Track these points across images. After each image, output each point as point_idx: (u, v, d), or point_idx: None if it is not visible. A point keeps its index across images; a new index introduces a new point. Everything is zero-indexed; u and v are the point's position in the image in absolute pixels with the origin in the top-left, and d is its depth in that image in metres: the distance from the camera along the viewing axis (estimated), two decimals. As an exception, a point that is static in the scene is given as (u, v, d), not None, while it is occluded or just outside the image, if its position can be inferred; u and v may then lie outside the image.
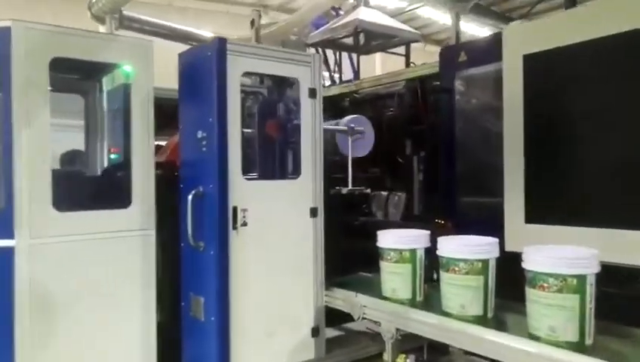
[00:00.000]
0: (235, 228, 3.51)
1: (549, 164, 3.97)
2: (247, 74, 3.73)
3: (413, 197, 5.37)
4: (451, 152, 4.73)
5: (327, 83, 7.34)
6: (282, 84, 4.02)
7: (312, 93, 3.88)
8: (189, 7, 13.29)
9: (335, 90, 6.09)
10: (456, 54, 4.70)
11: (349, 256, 5.91)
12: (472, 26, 10.99)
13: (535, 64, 4.09)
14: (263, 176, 3.98)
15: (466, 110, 4.78)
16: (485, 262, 3.37)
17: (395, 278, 3.78)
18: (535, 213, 4.06)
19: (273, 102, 4.04)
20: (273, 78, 4.05)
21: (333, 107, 6.16)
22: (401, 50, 7.31)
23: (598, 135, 3.65)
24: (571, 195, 3.82)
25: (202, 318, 3.57)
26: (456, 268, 3.36)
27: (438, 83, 5.02)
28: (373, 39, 7.08)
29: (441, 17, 12.95)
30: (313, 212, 3.90)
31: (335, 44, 7.05)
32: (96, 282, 3.42)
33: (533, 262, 3.00)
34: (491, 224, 4.47)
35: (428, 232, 3.92)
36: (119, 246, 3.49)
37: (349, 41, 7.03)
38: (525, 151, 4.10)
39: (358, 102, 6.13)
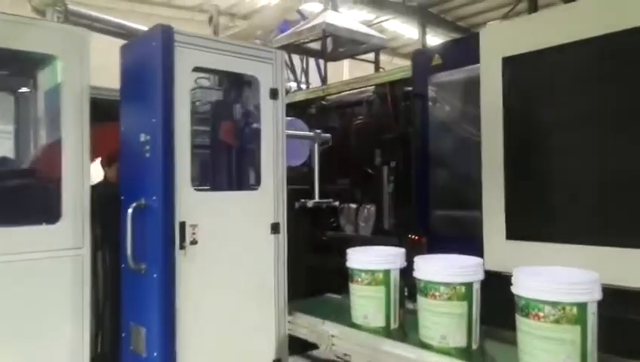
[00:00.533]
0: (182, 247, 2.96)
1: (532, 175, 3.57)
2: (198, 70, 3.22)
3: (384, 211, 4.91)
4: (425, 162, 4.30)
5: (294, 89, 6.86)
6: (240, 84, 3.50)
7: (274, 93, 3.38)
8: (153, 14, 12.67)
9: (301, 96, 5.60)
10: (429, 57, 4.28)
11: (315, 276, 5.43)
12: (437, 40, 10.75)
13: (516, 67, 3.69)
14: (218, 187, 3.45)
15: (440, 117, 4.36)
16: (469, 286, 2.91)
17: (367, 303, 3.29)
18: (517, 229, 3.64)
19: (229, 103, 3.52)
20: (230, 77, 3.53)
21: (299, 115, 5.69)
22: (371, 57, 6.92)
23: (587, 144, 3.26)
24: (556, 210, 3.42)
25: (144, 353, 2.98)
26: (437, 294, 2.89)
27: (410, 88, 4.60)
28: (340, 45, 6.65)
29: (407, 31, 12.67)
30: (275, 228, 3.38)
31: (301, 49, 6.59)
32: (12, 313, 2.82)
33: (526, 287, 2.55)
34: (468, 240, 4.03)
35: (403, 250, 3.44)
36: (44, 268, 2.88)
37: (317, 46, 6.59)
38: (506, 162, 3.68)
39: (325, 110, 5.66)
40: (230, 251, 3.17)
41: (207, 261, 3.06)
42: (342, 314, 3.51)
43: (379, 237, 4.96)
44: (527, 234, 3.54)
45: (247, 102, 3.50)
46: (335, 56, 6.87)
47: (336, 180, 5.32)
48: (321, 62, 7.28)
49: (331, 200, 4.50)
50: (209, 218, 3.06)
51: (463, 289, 2.87)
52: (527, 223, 3.56)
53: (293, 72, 7.53)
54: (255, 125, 3.41)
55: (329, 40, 6.53)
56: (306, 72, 7.41)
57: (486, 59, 3.78)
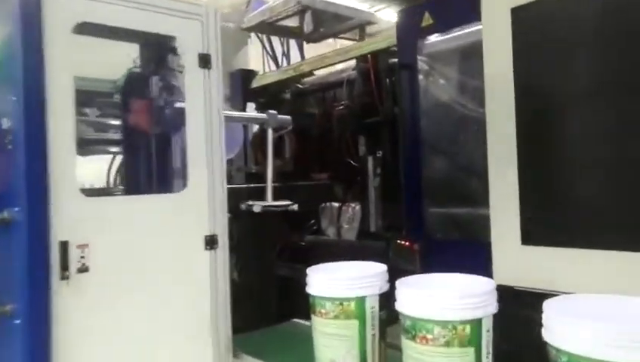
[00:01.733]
0: (64, 277, 2.01)
1: (555, 159, 2.58)
2: (85, 28, 2.25)
3: (370, 210, 3.93)
4: (414, 150, 3.32)
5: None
6: (162, 49, 2.53)
7: (204, 61, 2.41)
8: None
9: (271, 78, 4.61)
10: (417, 17, 3.29)
11: (291, 293, 4.46)
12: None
13: (530, 20, 2.70)
14: (131, 189, 2.50)
15: (433, 94, 3.37)
16: (477, 323, 1.91)
17: (335, 344, 2.30)
18: (537, 231, 2.66)
19: (145, 75, 2.55)
20: (144, 40, 2.56)
21: (272, 102, 4.73)
22: (355, 36, 5.91)
23: (624, 118, 2.28)
24: (588, 205, 2.44)
25: None
26: (429, 337, 1.90)
27: (394, 60, 3.63)
28: (322, 22, 5.64)
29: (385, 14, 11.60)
30: (210, 241, 2.42)
31: (276, 29, 5.59)
32: None
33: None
34: (472, 245, 3.06)
35: (384, 268, 2.45)
36: None
37: (295, 24, 5.60)
38: (519, 144, 2.69)
39: (301, 95, 4.69)
40: (142, 278, 2.21)
41: (104, 294, 2.10)
42: (308, 353, 2.55)
43: (365, 241, 4.00)
44: (550, 238, 2.56)
45: (173, 76, 2.53)
46: (316, 37, 5.85)
47: (314, 175, 4.35)
48: (305, 45, 6.27)
49: (290, 202, 3.49)
50: (108, 234, 2.11)
51: (469, 329, 1.88)
52: (549, 223, 2.58)
53: (274, 58, 6.53)
54: (180, 104, 2.44)
55: (308, 16, 5.52)
56: (287, 55, 6.42)
57: (489, 11, 2.78)
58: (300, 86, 4.66)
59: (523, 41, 2.66)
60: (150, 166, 2.50)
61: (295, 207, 3.31)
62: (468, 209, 3.11)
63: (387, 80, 3.71)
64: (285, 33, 5.85)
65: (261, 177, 4.51)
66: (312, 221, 4.53)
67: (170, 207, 2.31)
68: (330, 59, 3.99)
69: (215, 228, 2.44)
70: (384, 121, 3.77)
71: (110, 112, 2.61)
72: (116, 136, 2.60)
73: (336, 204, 4.27)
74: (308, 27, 5.68)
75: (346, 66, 4.36)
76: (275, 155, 4.60)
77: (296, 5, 5.00)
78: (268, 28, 5.58)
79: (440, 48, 3.33)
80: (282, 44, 6.67)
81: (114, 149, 2.60)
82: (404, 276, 3.29)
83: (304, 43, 5.91)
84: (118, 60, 2.48)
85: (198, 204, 2.39)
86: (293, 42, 6.36)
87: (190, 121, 2.36)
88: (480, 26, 2.89)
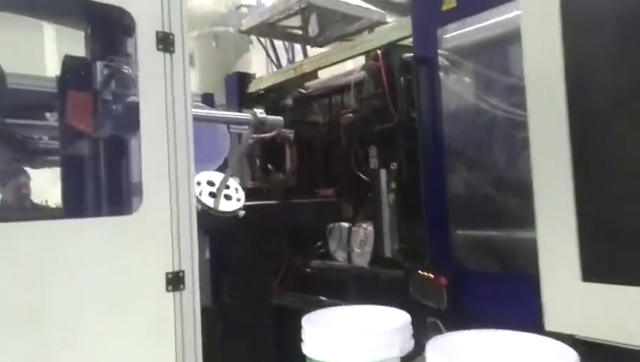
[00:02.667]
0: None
1: (626, 167, 1.93)
2: None
3: (384, 232, 3.27)
4: (437, 160, 2.68)
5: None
6: (111, 27, 1.92)
7: (165, 42, 1.79)
8: None
9: (268, 81, 4.00)
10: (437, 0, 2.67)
11: (290, 329, 3.82)
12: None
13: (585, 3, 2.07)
14: (70, 210, 1.87)
15: (457, 92, 2.74)
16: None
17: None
18: (603, 262, 2.00)
19: (87, 61, 1.92)
20: (89, 14, 1.95)
21: (270, 108, 4.11)
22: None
23: None
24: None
25: None
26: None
27: (410, 55, 3.00)
28: (327, 24, 5.05)
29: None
30: (174, 280, 1.78)
31: (278, 31, 5.01)
32: None
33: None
34: (514, 278, 2.40)
35: (406, 320, 1.77)
36: None
37: (298, 26, 5.01)
38: (575, 153, 2.05)
39: (303, 100, 4.07)
40: (68, 337, 1.57)
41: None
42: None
43: (379, 270, 3.33)
44: (621, 273, 1.89)
45: (126, 62, 1.90)
46: (321, 40, 5.26)
47: (319, 191, 3.71)
48: (309, 49, 5.69)
49: (238, 208, 2.80)
50: (11, 278, 1.47)
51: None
52: (621, 254, 1.91)
53: (278, 64, 5.95)
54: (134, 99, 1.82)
55: (312, 18, 4.94)
56: (292, 62, 5.83)
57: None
58: (302, 91, 4.04)
59: (576, 24, 2.02)
60: (89, 180, 1.86)
61: (242, 213, 2.68)
62: (507, 232, 2.45)
63: (401, 79, 3.07)
64: (288, 37, 5.26)
65: (259, 194, 3.90)
66: (319, 243, 3.89)
67: (115, 235, 1.68)
68: (335, 56, 3.37)
69: (181, 263, 1.80)
70: (398, 127, 3.13)
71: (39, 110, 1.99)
72: (45, 142, 1.96)
73: (345, 225, 3.62)
74: (313, 30, 5.11)
75: (354, 67, 3.75)
76: (276, 169, 4.00)
77: (298, 2, 4.42)
78: (269, 30, 5.00)
79: (465, 36, 2.70)
80: (287, 51, 6.10)
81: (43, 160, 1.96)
82: (428, 316, 2.65)
83: (309, 47, 5.31)
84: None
85: (157, 229, 1.75)
86: (298, 48, 5.77)
87: (145, 119, 1.73)
88: (517, 10, 2.27)
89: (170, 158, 1.79)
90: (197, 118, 1.93)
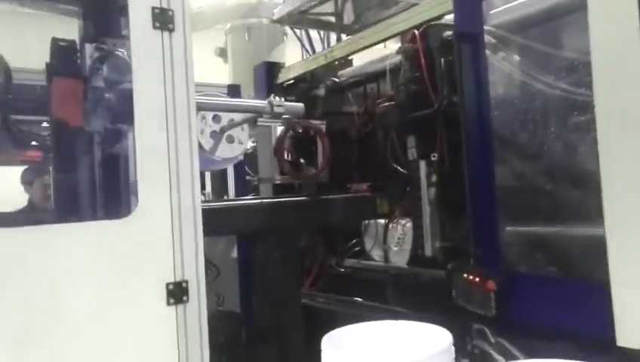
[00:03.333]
0: None
1: None
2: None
3: (423, 229, 2.93)
4: (484, 149, 2.32)
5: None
6: (101, 9, 1.67)
7: (162, 19, 1.54)
8: None
9: (298, 69, 3.68)
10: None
11: (314, 335, 3.55)
12: None
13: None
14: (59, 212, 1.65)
15: (507, 73, 2.37)
16: None
17: None
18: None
19: (70, 47, 1.68)
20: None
21: (301, 99, 3.82)
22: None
23: None
24: None
25: None
26: None
27: (452, 33, 2.64)
28: (364, 10, 4.70)
29: None
30: (176, 292, 1.53)
31: (311, 20, 4.71)
32: None
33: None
34: (577, 284, 2.03)
35: (446, 339, 1.44)
36: None
37: (332, 12, 4.68)
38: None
39: (336, 90, 3.76)
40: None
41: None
42: None
43: (419, 270, 3.00)
44: None
45: (120, 45, 1.66)
46: (357, 28, 4.91)
47: (353, 185, 3.39)
48: (344, 38, 5.36)
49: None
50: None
51: None
52: None
53: (313, 53, 5.65)
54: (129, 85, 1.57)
55: (347, 4, 4.61)
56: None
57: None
58: (335, 80, 3.73)
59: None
60: (78, 178, 1.64)
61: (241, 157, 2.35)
62: (568, 229, 2.08)
63: (442, 60, 2.71)
64: (323, 25, 4.95)
65: (289, 190, 3.64)
66: (354, 241, 3.59)
67: (107, 242, 1.44)
68: (367, 39, 3.04)
69: (184, 271, 1.55)
70: (439, 113, 2.78)
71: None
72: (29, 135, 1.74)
73: (382, 221, 3.30)
74: (348, 16, 4.79)
75: (390, 52, 3.41)
76: (307, 163, 3.72)
77: (333, -9, 4.10)
78: (302, 18, 4.72)
79: (515, 12, 2.33)
80: (322, 41, 5.80)
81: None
82: (474, 325, 2.31)
83: (344, 36, 4.99)
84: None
85: (155, 234, 1.50)
86: (334, 38, 5.44)
87: (141, 108, 1.48)
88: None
89: (170, 152, 1.54)
90: (203, 108, 1.66)
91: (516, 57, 2.31)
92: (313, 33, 5.57)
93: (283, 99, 2.19)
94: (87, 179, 1.63)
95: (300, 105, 2.32)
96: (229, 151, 2.21)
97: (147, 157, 1.50)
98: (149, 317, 1.49)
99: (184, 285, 1.55)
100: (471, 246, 2.35)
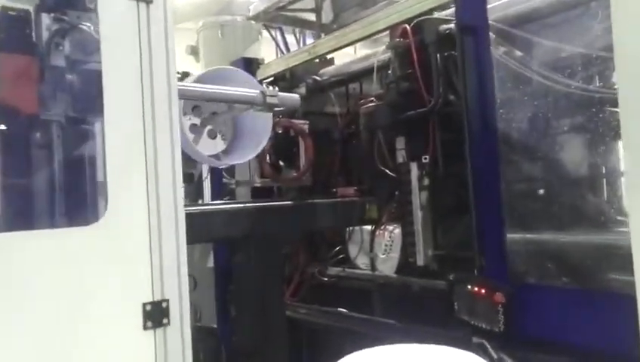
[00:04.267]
0: None
1: None
2: None
3: (415, 235, 2.71)
4: (489, 150, 2.13)
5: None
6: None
7: (138, -13, 1.27)
8: None
9: (278, 66, 3.42)
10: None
11: (296, 347, 3.29)
12: None
13: None
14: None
15: (513, 69, 2.18)
16: None
17: None
18: None
19: (21, 19, 1.38)
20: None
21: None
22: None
23: None
24: None
25: None
26: None
27: (449, 27, 2.45)
28: (343, 9, 4.49)
29: None
30: (154, 314, 1.25)
31: (288, 17, 4.46)
32: None
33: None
34: (595, 297, 1.85)
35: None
36: None
37: (311, 9, 4.45)
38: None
39: (318, 89, 3.52)
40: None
41: None
42: None
43: (408, 278, 2.78)
44: None
45: (86, 18, 1.37)
46: (336, 28, 4.70)
47: (338, 189, 3.16)
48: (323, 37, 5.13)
49: None
50: None
51: None
52: None
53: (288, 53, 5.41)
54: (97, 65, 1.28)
55: (326, 2, 4.39)
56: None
57: None
58: (317, 78, 3.50)
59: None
60: (33, 177, 1.34)
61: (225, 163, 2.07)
62: (584, 235, 1.90)
63: (437, 56, 2.52)
64: (300, 23, 4.71)
65: (268, 193, 3.38)
66: (337, 248, 3.35)
67: (69, 253, 1.15)
68: (354, 33, 2.81)
69: (164, 289, 1.27)
70: (433, 113, 2.58)
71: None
72: None
73: (368, 227, 3.07)
74: (327, 15, 4.57)
75: (374, 51, 3.20)
76: (288, 165, 3.47)
77: (310, -15, 3.88)
78: (279, 16, 4.47)
79: (520, 5, 2.15)
80: (298, 42, 5.56)
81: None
82: (474, 339, 2.10)
83: (322, 36, 4.76)
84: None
85: (129, 244, 1.22)
86: (310, 41, 5.21)
87: (111, 92, 1.20)
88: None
89: (147, 146, 1.26)
90: (186, 96, 1.40)
91: (522, 52, 2.13)
92: (289, 37, 5.33)
93: (277, 88, 1.92)
94: (45, 179, 1.33)
95: (296, 96, 2.07)
96: (212, 148, 1.93)
97: (119, 151, 1.22)
98: (121, 344, 1.20)
99: (164, 305, 1.26)
100: (475, 254, 2.15)
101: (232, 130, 1.97)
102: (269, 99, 1.79)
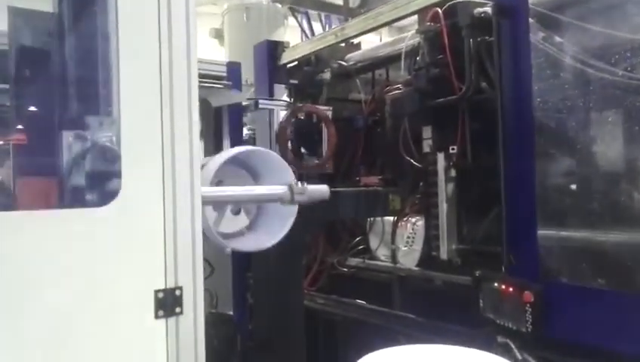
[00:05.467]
0: None
1: None
2: None
3: (438, 228, 2.60)
4: (524, 143, 2.00)
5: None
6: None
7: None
8: None
9: (303, 49, 3.30)
10: None
11: (314, 339, 3.21)
12: None
13: None
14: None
15: (554, 56, 2.04)
16: None
17: None
18: None
19: None
20: None
21: (305, 83, 3.47)
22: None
23: None
24: None
25: None
26: None
27: (484, 11, 2.31)
28: (371, -8, 4.37)
29: None
30: (167, 302, 1.19)
31: (314, 1, 4.35)
32: None
33: None
34: (634, 300, 1.73)
35: None
36: None
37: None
38: None
39: (343, 74, 3.41)
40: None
41: None
42: None
43: (430, 272, 2.68)
44: None
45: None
46: (364, 12, 4.56)
47: (361, 178, 3.07)
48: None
49: None
50: None
51: None
52: None
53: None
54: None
55: (353, -15, 4.27)
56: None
57: None
58: (342, 63, 3.39)
59: None
60: (43, 153, 1.27)
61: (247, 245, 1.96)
62: (622, 234, 1.77)
63: (470, 41, 2.38)
64: (326, 7, 4.61)
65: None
66: (358, 239, 3.26)
67: (77, 237, 1.09)
68: (384, 15, 2.68)
69: (178, 276, 1.20)
70: (463, 101, 2.46)
71: None
72: None
73: (390, 218, 2.97)
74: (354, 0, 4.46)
75: (402, 36, 3.07)
76: (310, 153, 3.38)
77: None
78: (305, 0, 4.38)
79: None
80: (324, 27, 5.45)
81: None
82: (498, 338, 2.00)
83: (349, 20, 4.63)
84: None
85: (142, 228, 1.15)
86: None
87: (127, 71, 1.13)
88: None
89: (164, 128, 1.18)
90: (212, 200, 1.33)
91: (565, 38, 1.99)
92: (315, 24, 5.23)
93: (306, 184, 1.81)
94: (54, 154, 1.26)
95: (325, 188, 1.94)
96: (235, 224, 1.85)
97: (134, 132, 1.15)
98: (131, 332, 1.14)
99: (177, 293, 1.20)
100: (503, 250, 2.03)
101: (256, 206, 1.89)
102: (297, 197, 1.70)
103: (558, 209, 1.93)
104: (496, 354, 2.14)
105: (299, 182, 1.78)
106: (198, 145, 1.22)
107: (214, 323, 2.35)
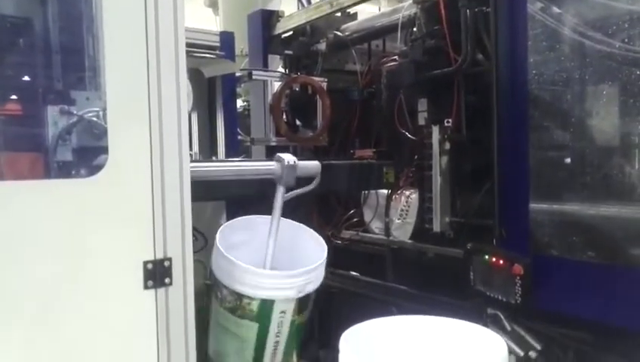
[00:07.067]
0: None
1: None
2: None
3: (432, 201, 2.60)
4: (518, 114, 1.98)
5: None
6: None
7: None
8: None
9: (298, 19, 3.23)
10: None
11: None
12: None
13: None
14: None
15: (551, 28, 2.00)
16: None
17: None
18: None
19: None
20: None
21: (300, 54, 3.41)
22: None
23: None
24: None
25: None
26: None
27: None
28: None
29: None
30: (156, 272, 1.19)
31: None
32: None
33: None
34: (625, 274, 1.74)
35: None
36: None
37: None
38: None
39: (339, 45, 3.35)
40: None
41: None
42: None
43: (423, 245, 2.69)
44: None
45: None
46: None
47: (355, 151, 3.05)
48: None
49: None
50: None
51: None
52: None
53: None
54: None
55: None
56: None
57: None
58: (338, 33, 3.33)
59: None
60: (23, 117, 1.24)
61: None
62: (613, 207, 1.77)
63: (467, 11, 2.34)
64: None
65: (283, 152, 3.27)
66: (352, 211, 3.26)
67: (65, 207, 1.08)
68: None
69: (167, 247, 1.19)
70: (459, 73, 2.43)
71: None
72: None
73: (384, 191, 2.97)
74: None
75: (399, 6, 3.01)
76: (305, 124, 3.35)
77: None
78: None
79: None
80: (320, -3, 5.32)
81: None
82: (488, 310, 2.03)
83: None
84: None
85: (130, 199, 1.14)
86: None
87: (113, 35, 1.10)
88: None
89: (151, 97, 1.16)
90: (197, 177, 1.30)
91: (562, 8, 1.95)
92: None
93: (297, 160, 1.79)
94: (36, 120, 1.24)
95: (316, 164, 1.93)
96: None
97: (120, 100, 1.12)
98: (120, 303, 1.14)
99: (166, 264, 1.20)
100: (495, 224, 2.04)
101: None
102: (287, 172, 1.68)
103: (550, 182, 1.92)
104: (486, 325, 2.19)
105: (289, 157, 1.77)
106: (186, 119, 1.20)
107: (208, 294, 2.37)
